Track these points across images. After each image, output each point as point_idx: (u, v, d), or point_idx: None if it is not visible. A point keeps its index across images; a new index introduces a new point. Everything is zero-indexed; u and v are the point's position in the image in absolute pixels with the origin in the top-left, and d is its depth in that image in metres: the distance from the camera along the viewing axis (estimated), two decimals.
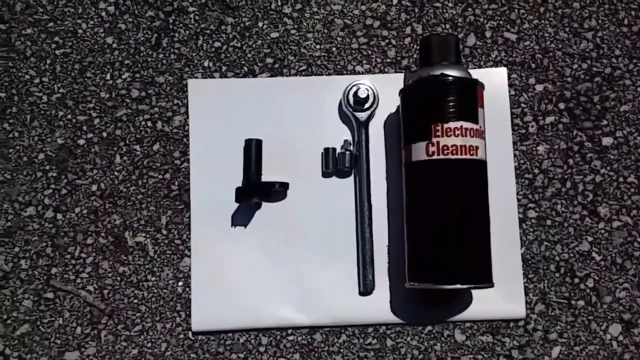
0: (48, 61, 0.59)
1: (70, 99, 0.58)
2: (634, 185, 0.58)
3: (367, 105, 0.56)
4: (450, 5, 0.60)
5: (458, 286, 0.49)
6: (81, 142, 0.57)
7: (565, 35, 0.60)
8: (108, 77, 0.58)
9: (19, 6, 0.59)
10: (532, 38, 0.60)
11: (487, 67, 0.59)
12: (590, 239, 0.57)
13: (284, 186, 0.55)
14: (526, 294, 0.56)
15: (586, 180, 0.58)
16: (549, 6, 0.61)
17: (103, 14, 0.59)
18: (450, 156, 0.50)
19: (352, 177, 0.57)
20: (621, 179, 0.58)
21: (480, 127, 0.51)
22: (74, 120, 0.58)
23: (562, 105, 0.59)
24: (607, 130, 0.58)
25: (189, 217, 0.56)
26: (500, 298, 0.55)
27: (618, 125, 0.59)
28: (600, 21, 0.60)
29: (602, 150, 0.58)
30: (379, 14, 0.60)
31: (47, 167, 0.57)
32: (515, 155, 0.58)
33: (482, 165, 0.51)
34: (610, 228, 0.57)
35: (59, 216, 0.56)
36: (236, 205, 0.56)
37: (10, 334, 0.54)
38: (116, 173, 0.57)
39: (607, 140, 0.58)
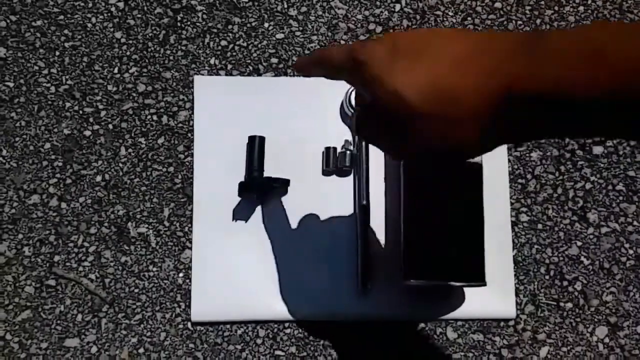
0: (57, 53, 0.60)
1: (78, 90, 0.59)
2: (622, 193, 0.60)
3: None
4: (450, 14, 0.62)
5: (452, 283, 0.51)
6: (87, 133, 0.58)
7: None
8: (116, 70, 0.60)
9: None
10: None
11: None
12: (579, 243, 0.59)
13: (285, 183, 0.56)
14: (517, 294, 0.57)
15: (577, 187, 0.60)
16: (545, 18, 0.63)
17: (112, 9, 0.61)
18: None
19: (351, 176, 0.58)
20: (610, 187, 0.60)
21: None
22: (80, 112, 0.59)
23: None
24: (598, 140, 0.61)
25: (191, 210, 0.57)
26: (492, 298, 0.57)
27: None
28: None
29: (592, 158, 0.60)
30: (382, 20, 0.62)
31: (53, 157, 0.58)
32: (509, 161, 0.60)
33: (478, 168, 0.53)
34: (598, 234, 0.59)
35: (63, 205, 0.57)
36: (238, 199, 0.57)
37: (11, 319, 0.55)
38: (121, 165, 0.58)
39: (597, 149, 0.60)
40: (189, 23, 0.61)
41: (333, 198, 0.58)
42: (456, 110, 0.29)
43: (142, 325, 0.55)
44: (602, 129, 0.27)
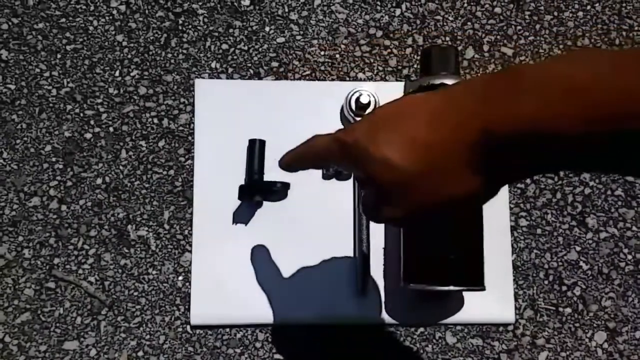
0: (58, 56, 0.60)
1: (79, 93, 0.59)
2: (621, 198, 0.60)
3: (368, 111, 0.58)
4: (450, 19, 0.63)
5: (451, 288, 0.51)
6: (88, 136, 0.59)
7: (559, 52, 0.62)
8: (117, 73, 0.60)
9: (32, 1, 0.61)
10: (528, 53, 0.62)
11: None
12: (578, 248, 0.59)
13: (285, 186, 0.57)
14: (516, 299, 0.57)
15: (576, 192, 0.60)
16: (544, 24, 0.63)
17: (114, 12, 0.61)
18: None
19: (351, 180, 0.58)
20: (609, 192, 0.60)
21: None
22: (81, 114, 0.59)
23: None
24: None
25: (191, 213, 0.57)
26: (491, 303, 0.57)
27: None
28: (592, 40, 0.63)
29: None
30: (382, 24, 0.62)
31: (54, 159, 0.58)
32: None
33: None
34: (597, 239, 0.59)
35: (64, 207, 0.57)
36: (238, 203, 0.57)
37: (10, 321, 0.55)
38: (121, 167, 0.58)
39: None
40: (190, 26, 0.61)
41: (333, 201, 0.58)
42: (440, 164, 0.29)
43: (141, 329, 0.55)
44: (596, 165, 0.27)
